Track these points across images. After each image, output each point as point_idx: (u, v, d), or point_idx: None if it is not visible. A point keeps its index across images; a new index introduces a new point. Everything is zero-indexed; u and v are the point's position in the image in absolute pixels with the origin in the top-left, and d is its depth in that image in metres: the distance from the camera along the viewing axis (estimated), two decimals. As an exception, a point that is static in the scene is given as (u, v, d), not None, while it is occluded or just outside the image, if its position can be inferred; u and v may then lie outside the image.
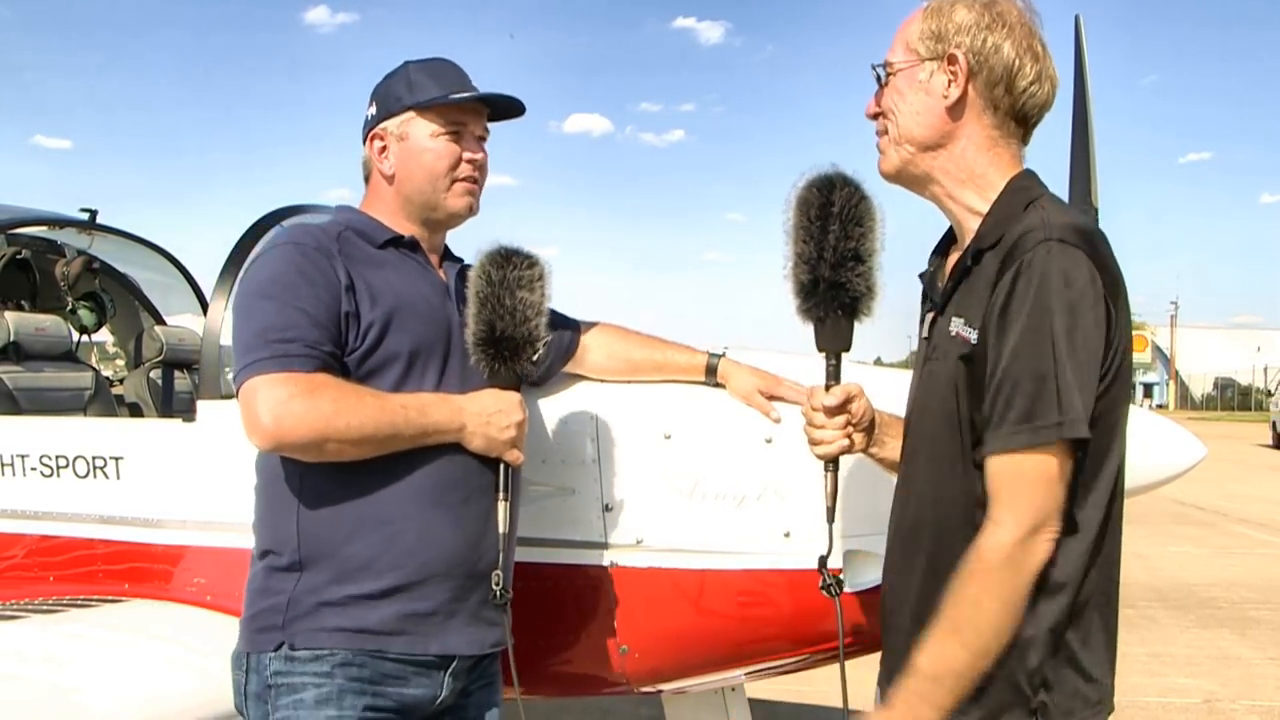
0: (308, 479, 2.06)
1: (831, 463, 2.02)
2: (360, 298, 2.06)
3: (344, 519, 2.05)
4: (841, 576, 2.10)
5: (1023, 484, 1.61)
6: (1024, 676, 1.67)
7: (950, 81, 1.78)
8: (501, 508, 2.10)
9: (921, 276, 1.94)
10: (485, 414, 2.07)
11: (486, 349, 2.05)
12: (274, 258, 2.10)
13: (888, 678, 1.84)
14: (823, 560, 2.07)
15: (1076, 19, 2.38)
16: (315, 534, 2.06)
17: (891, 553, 1.89)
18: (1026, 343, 1.60)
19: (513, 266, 2.05)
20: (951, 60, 1.77)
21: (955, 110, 1.78)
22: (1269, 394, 38.38)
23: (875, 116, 1.88)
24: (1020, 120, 1.81)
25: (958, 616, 1.64)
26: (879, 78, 1.87)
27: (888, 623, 1.89)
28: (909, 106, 1.81)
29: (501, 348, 2.04)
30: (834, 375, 1.98)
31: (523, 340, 2.04)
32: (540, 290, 2.06)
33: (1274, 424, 30.47)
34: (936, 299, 1.85)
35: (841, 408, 1.97)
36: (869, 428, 2.02)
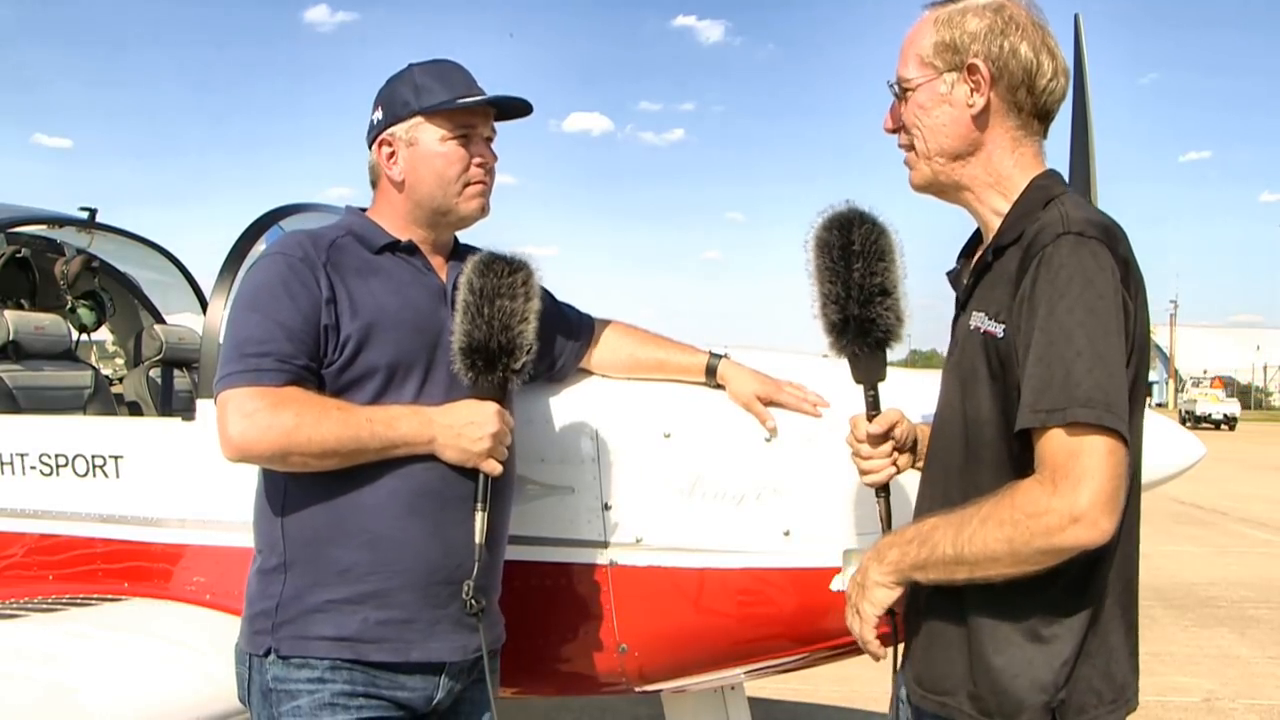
0: (291, 484, 2.10)
1: (883, 489, 2.04)
2: (341, 310, 2.08)
3: (324, 524, 2.08)
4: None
5: (1064, 462, 1.57)
6: (1049, 675, 1.67)
7: (973, 91, 1.77)
8: (479, 518, 2.10)
9: (949, 275, 1.95)
10: (457, 426, 2.07)
11: (465, 358, 2.06)
12: (262, 268, 2.14)
13: (910, 669, 1.86)
14: None
15: (1076, 18, 2.39)
16: (299, 538, 2.10)
17: None
18: (1050, 336, 1.58)
19: (493, 274, 2.05)
20: (972, 70, 1.76)
21: (980, 119, 1.78)
22: (1181, 388, 51.35)
23: (895, 131, 1.88)
24: (1042, 117, 1.81)
25: (967, 551, 1.63)
26: (896, 94, 1.86)
27: (910, 617, 1.89)
28: (934, 120, 1.81)
29: (477, 358, 2.05)
30: (874, 405, 2.01)
31: (498, 350, 2.04)
32: (524, 296, 2.05)
33: (1179, 409, 42.03)
34: (961, 297, 1.86)
35: (885, 436, 2.00)
36: (913, 447, 2.05)
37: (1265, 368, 61.11)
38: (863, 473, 2.03)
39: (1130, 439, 1.63)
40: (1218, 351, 68.94)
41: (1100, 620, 1.70)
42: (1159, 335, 71.36)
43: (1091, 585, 1.68)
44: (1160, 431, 2.44)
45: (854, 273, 1.89)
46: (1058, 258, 1.61)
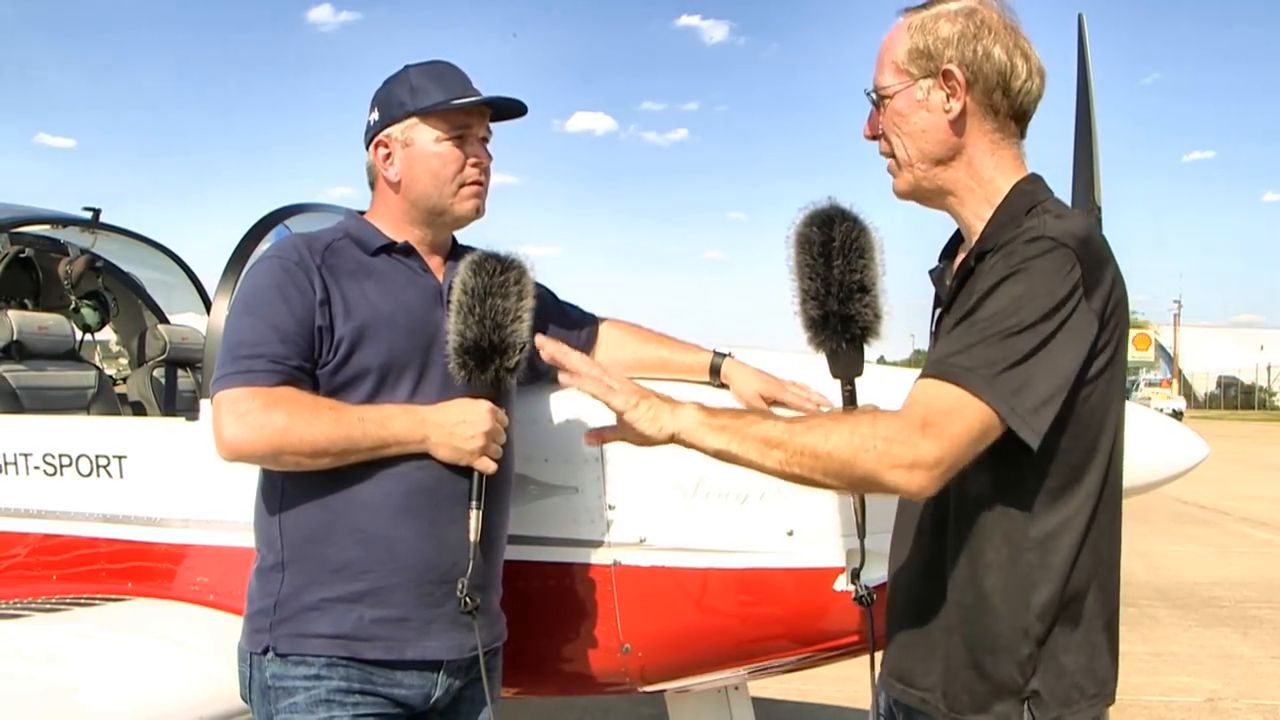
0: (288, 483, 2.12)
1: None
2: (335, 312, 2.10)
3: (320, 523, 2.10)
4: (874, 589, 2.11)
5: (942, 414, 1.57)
6: (1015, 666, 1.69)
7: (949, 96, 1.78)
8: (473, 516, 2.12)
9: (931, 274, 1.96)
10: (449, 425, 2.09)
11: (459, 357, 2.07)
12: (258, 272, 2.17)
13: (889, 667, 1.87)
14: (856, 573, 2.09)
15: (1079, 18, 2.38)
16: (295, 536, 2.12)
17: (896, 549, 1.90)
18: (987, 310, 1.61)
19: (485, 273, 2.07)
20: (947, 76, 1.77)
21: (958, 124, 1.79)
22: (1135, 388, 53.16)
23: (874, 139, 1.89)
24: (1019, 118, 1.82)
25: (796, 440, 1.63)
26: (873, 102, 1.87)
27: (891, 616, 1.90)
28: (912, 127, 1.81)
29: (470, 357, 2.06)
30: (850, 400, 2.02)
31: (491, 349, 2.05)
32: (516, 295, 2.07)
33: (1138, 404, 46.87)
34: (944, 297, 1.87)
35: None
36: None
37: (1270, 368, 61.06)
38: None
39: (1103, 440, 1.67)
40: (1220, 351, 68.74)
41: (1083, 617, 1.72)
42: (1163, 335, 71.41)
43: (1062, 582, 1.69)
44: (1162, 431, 2.44)
45: (834, 269, 1.91)
46: (1023, 252, 1.63)
